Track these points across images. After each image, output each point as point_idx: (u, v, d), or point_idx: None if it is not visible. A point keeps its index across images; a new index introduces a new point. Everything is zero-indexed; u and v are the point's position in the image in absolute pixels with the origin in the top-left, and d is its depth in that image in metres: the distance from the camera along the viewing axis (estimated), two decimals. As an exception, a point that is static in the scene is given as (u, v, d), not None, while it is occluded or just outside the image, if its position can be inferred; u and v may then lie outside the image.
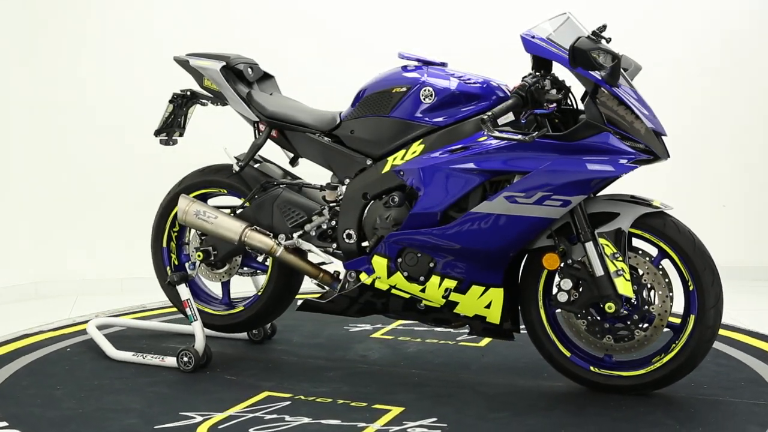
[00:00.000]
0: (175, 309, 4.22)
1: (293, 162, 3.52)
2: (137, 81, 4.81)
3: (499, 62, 3.99)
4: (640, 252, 2.94)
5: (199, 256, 3.41)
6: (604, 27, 2.82)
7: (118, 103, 4.81)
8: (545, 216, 2.82)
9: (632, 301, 2.89)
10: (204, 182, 3.51)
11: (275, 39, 4.93)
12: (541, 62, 2.92)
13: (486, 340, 3.67)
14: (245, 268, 3.53)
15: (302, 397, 2.97)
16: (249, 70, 3.42)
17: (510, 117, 2.89)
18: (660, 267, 2.92)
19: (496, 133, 2.73)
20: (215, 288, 3.69)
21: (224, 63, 3.37)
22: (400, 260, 3.03)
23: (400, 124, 3.07)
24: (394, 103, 3.07)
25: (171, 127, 3.52)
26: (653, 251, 2.94)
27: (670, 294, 2.89)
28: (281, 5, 5.01)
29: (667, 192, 4.64)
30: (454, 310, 3.03)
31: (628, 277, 2.84)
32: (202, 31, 4.86)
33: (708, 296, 2.83)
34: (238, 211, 3.41)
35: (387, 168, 3.08)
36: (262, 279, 3.65)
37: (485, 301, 2.98)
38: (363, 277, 3.12)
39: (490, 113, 2.71)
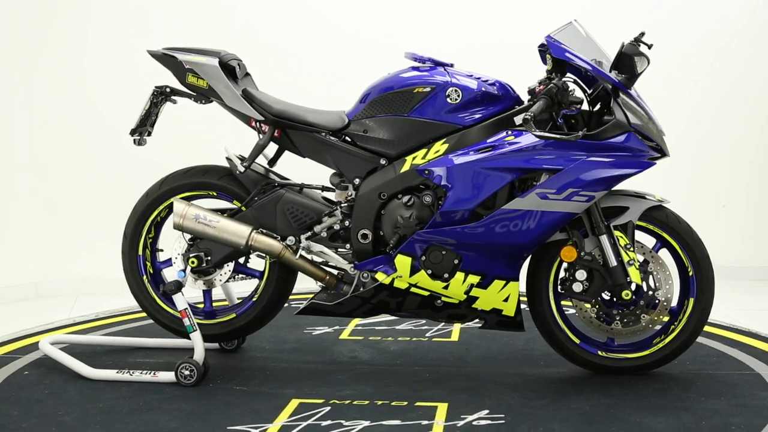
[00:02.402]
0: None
1: (272, 163, 3.42)
2: (137, 82, 4.52)
3: (495, 62, 4.10)
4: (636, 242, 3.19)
5: (192, 262, 3.22)
6: (643, 33, 3.03)
7: (119, 105, 4.70)
8: (571, 211, 3.00)
9: (640, 287, 3.13)
10: (191, 184, 3.31)
11: (273, 37, 4.92)
12: (559, 65, 3.08)
13: (456, 335, 3.79)
14: (236, 274, 3.36)
15: (336, 401, 2.91)
16: (238, 66, 3.28)
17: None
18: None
19: (540, 132, 2.90)
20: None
21: (218, 59, 3.20)
22: (423, 258, 3.06)
23: (421, 123, 3.10)
24: (415, 103, 3.10)
25: (144, 126, 3.30)
26: (650, 241, 3.22)
27: (671, 280, 3.17)
28: (281, 3, 4.97)
29: (668, 191, 4.92)
30: (473, 305, 3.11)
31: (637, 266, 3.09)
32: (201, 29, 4.75)
33: (706, 280, 3.13)
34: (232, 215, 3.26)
35: (407, 167, 3.09)
36: (234, 286, 3.53)
37: (504, 295, 3.09)
38: (381, 276, 3.10)
39: (530, 113, 2.85)
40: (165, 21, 4.85)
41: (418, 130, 3.11)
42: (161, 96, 3.29)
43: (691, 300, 3.15)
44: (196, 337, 3.13)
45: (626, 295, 3.07)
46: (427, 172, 3.06)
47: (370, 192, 3.12)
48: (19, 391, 3.03)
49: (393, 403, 2.90)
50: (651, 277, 3.14)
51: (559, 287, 3.20)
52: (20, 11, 4.71)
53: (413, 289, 3.10)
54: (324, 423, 2.72)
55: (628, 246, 3.08)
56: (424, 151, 3.10)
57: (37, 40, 4.75)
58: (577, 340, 3.20)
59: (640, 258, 3.14)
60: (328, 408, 2.85)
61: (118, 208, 4.61)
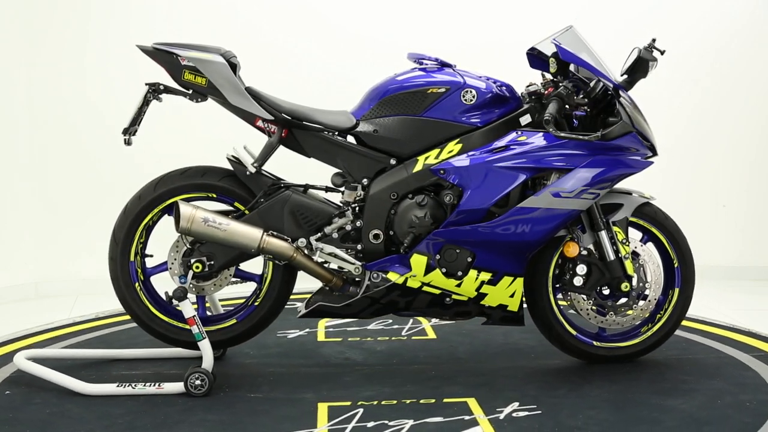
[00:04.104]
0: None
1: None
2: (137, 82, 4.52)
3: (495, 62, 4.10)
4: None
5: (197, 267, 3.12)
6: (654, 40, 3.16)
7: (119, 105, 4.52)
8: (578, 208, 3.11)
9: (632, 279, 3.28)
10: (190, 186, 3.18)
11: (273, 37, 4.92)
12: (563, 68, 3.17)
13: (431, 332, 3.83)
14: (235, 279, 3.29)
15: (364, 403, 2.90)
16: (237, 64, 3.18)
17: (528, 119, 3.17)
18: None
19: (562, 133, 3.04)
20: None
21: (221, 56, 3.09)
22: (438, 257, 3.09)
23: (435, 123, 3.14)
24: (428, 103, 3.13)
25: (135, 125, 3.17)
26: (637, 235, 3.37)
27: (660, 272, 3.33)
28: (281, 3, 4.98)
29: (668, 191, 4.95)
30: (481, 301, 3.16)
31: (631, 259, 3.24)
32: (201, 29, 4.73)
33: (690, 271, 3.33)
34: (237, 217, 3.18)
35: (419, 167, 3.12)
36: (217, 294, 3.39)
37: (511, 291, 3.16)
38: (393, 276, 3.11)
39: (549, 114, 2.98)
40: (165, 21, 4.84)
41: (431, 131, 3.14)
42: (155, 94, 3.15)
43: (676, 290, 3.34)
44: (205, 345, 3.04)
45: (625, 287, 3.21)
46: (442, 171, 3.10)
47: (381, 192, 3.14)
48: (15, 413, 2.84)
49: (421, 401, 2.92)
50: (642, 269, 3.29)
51: (554, 282, 3.31)
52: (20, 11, 4.69)
53: (425, 288, 3.13)
54: (369, 424, 2.71)
55: (623, 241, 3.21)
56: (437, 150, 3.13)
57: (37, 40, 4.73)
58: (574, 332, 3.31)
59: (639, 250, 3.30)
60: (361, 410, 2.83)
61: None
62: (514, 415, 2.80)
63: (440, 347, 3.61)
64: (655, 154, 3.21)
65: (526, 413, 2.81)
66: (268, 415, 2.81)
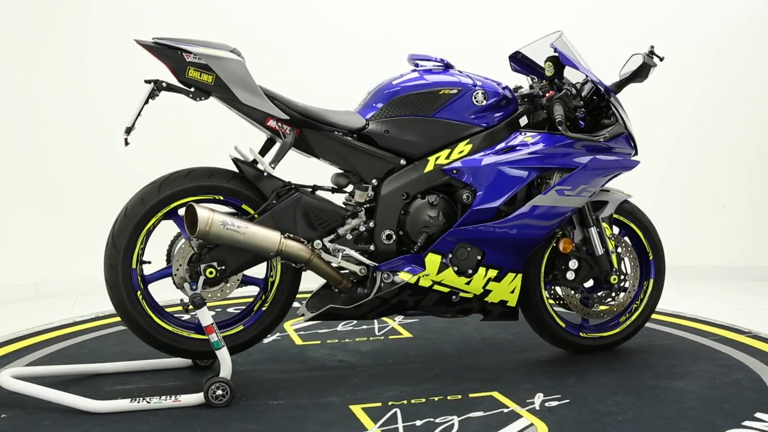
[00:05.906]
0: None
1: (255, 163, 3.23)
2: (137, 82, 4.52)
3: (495, 62, 4.10)
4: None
5: (210, 272, 2.97)
6: (653, 47, 3.27)
7: (119, 105, 4.49)
8: (578, 206, 3.24)
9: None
10: (196, 188, 3.02)
11: (273, 37, 4.95)
12: (559, 72, 3.28)
13: (404, 331, 3.85)
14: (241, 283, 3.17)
15: (394, 402, 2.88)
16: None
17: (525, 120, 3.26)
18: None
19: (574, 134, 3.16)
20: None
21: (231, 53, 3.00)
22: (450, 256, 3.12)
23: (446, 124, 3.17)
24: (440, 104, 3.16)
25: (133, 125, 2.97)
26: (615, 230, 3.51)
27: (638, 265, 3.51)
28: (281, 3, 5.00)
29: (668, 191, 4.94)
30: (485, 298, 3.22)
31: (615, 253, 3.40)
32: (201, 29, 4.62)
33: (662, 263, 3.54)
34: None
35: (430, 167, 3.15)
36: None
37: (512, 287, 3.24)
38: (406, 276, 3.11)
39: (560, 117, 3.09)
40: (165, 21, 4.84)
41: (442, 131, 3.17)
42: (157, 92, 2.98)
43: (651, 281, 3.53)
44: (224, 354, 2.93)
45: (614, 279, 3.35)
46: (455, 171, 3.14)
47: (392, 192, 3.15)
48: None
49: (449, 398, 2.94)
50: (623, 262, 3.43)
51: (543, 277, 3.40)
52: (20, 11, 4.69)
53: (435, 287, 3.15)
54: (417, 423, 2.71)
55: (610, 236, 3.35)
56: (447, 151, 3.16)
57: (37, 40, 4.74)
58: (563, 324, 3.41)
59: (620, 245, 3.44)
60: (397, 410, 2.81)
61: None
62: (547, 405, 2.85)
63: (424, 345, 3.64)
64: (636, 153, 3.34)
65: (557, 403, 2.87)
66: (305, 422, 2.73)
